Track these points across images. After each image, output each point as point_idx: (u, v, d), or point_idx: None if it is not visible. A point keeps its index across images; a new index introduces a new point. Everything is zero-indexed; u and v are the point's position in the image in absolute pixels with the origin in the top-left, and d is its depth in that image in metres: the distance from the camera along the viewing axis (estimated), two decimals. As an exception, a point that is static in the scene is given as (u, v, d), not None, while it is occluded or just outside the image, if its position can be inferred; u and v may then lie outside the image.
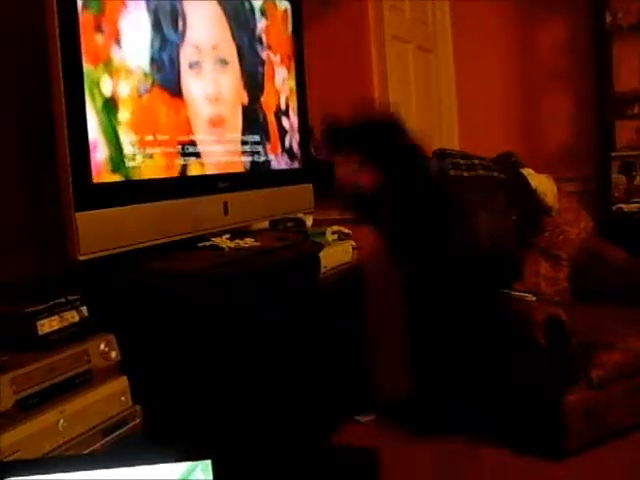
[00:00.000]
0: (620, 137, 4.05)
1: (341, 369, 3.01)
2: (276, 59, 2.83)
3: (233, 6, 2.53)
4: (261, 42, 2.71)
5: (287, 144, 2.89)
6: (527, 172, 3.71)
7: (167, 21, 2.18)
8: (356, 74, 3.49)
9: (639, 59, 3.97)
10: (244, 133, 2.60)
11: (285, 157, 2.87)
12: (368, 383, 3.33)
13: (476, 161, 3.61)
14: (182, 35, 2.25)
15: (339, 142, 2.77)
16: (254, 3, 2.66)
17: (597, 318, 3.12)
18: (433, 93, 4.32)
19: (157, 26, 2.13)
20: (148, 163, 2.10)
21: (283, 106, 2.87)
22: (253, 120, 2.65)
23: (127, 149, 2.01)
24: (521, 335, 2.81)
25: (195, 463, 1.11)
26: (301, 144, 3.00)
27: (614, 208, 3.97)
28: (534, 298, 3.05)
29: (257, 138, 2.68)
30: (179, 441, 1.82)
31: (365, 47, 3.49)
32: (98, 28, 1.92)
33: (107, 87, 1.93)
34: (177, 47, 2.23)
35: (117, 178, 1.98)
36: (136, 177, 2.05)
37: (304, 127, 3.03)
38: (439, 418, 3.09)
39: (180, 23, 2.24)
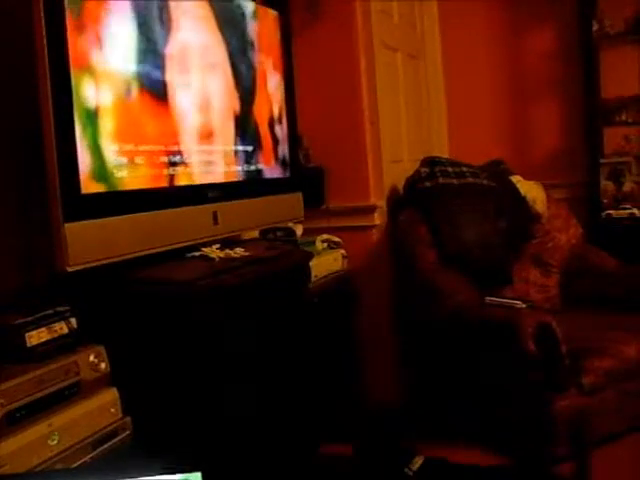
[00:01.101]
0: (608, 144, 4.08)
1: (332, 378, 3.00)
2: (268, 64, 2.83)
3: (224, 8, 2.53)
4: (253, 46, 2.71)
5: (279, 153, 2.89)
6: (516, 179, 3.73)
7: (153, 22, 2.16)
8: (345, 82, 3.50)
9: (626, 66, 4.00)
10: (235, 142, 2.60)
11: (276, 166, 2.87)
12: (360, 390, 3.32)
13: (465, 169, 3.63)
14: (168, 37, 2.23)
15: None
16: (244, 4, 2.65)
17: (587, 325, 3.13)
18: (422, 100, 4.33)
19: (142, 28, 2.11)
20: (135, 173, 2.09)
21: (276, 114, 2.87)
22: (244, 128, 2.65)
23: (113, 159, 2.00)
24: (511, 342, 2.81)
25: (185, 475, 1.11)
26: (290, 152, 3.00)
27: (603, 215, 3.99)
28: (524, 305, 3.06)
29: (248, 147, 2.67)
30: (169, 453, 1.81)
31: (354, 55, 3.50)
32: (80, 30, 1.89)
33: (91, 93, 1.92)
34: (164, 50, 2.21)
35: (104, 189, 1.97)
36: (124, 187, 2.04)
37: (293, 135, 3.03)
38: (431, 424, 3.09)
39: (167, 24, 2.22)
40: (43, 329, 1.78)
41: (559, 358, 2.74)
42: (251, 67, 2.71)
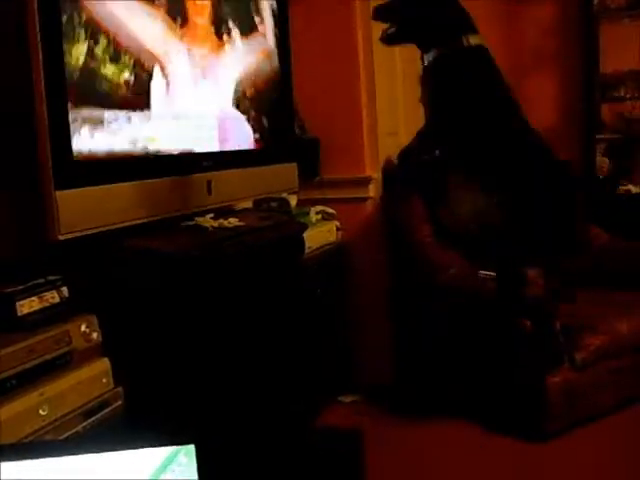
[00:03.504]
0: (606, 119, 4.05)
1: (325, 350, 3.00)
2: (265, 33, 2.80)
3: None
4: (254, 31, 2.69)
5: (273, 124, 2.85)
6: (512, 154, 3.70)
7: None
8: (342, 53, 3.45)
9: (626, 41, 3.96)
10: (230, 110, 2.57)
11: (270, 136, 2.84)
12: (351, 364, 3.32)
13: (462, 142, 3.59)
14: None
15: (383, 17, 2.93)
16: None
17: (581, 301, 3.13)
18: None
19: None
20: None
21: (272, 84, 2.84)
22: (240, 96, 2.62)
23: (108, 125, 1.97)
24: (505, 317, 2.81)
25: (178, 447, 1.09)
26: (286, 123, 2.97)
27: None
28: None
29: (242, 117, 2.64)
30: (162, 424, 1.80)
31: (351, 26, 3.45)
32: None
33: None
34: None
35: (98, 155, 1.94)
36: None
37: (289, 106, 3.00)
38: (422, 399, 3.10)
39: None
40: (34, 298, 1.76)
41: (553, 334, 2.74)
42: (248, 34, 2.67)
